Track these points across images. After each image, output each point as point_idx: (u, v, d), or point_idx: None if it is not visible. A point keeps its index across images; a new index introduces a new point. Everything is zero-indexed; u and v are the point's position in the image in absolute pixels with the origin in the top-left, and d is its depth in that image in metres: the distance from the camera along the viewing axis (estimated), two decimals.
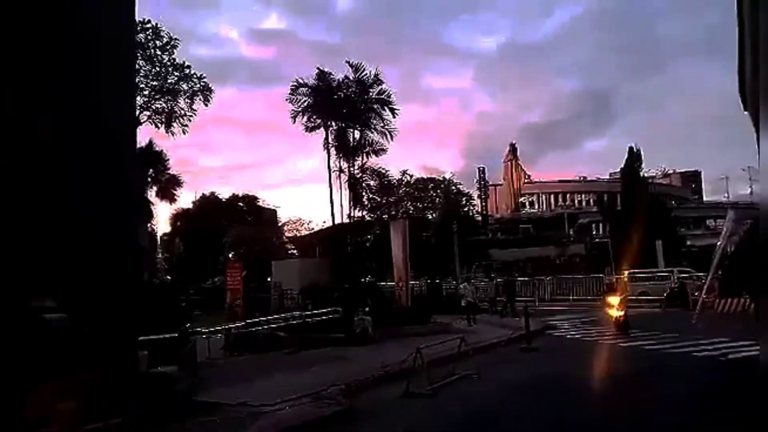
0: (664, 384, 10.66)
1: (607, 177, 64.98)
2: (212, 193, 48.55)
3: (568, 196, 71.66)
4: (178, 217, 44.66)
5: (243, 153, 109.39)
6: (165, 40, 29.78)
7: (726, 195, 71.95)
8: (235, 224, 39.89)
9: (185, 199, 43.55)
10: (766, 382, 8.27)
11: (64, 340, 7.06)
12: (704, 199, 75.63)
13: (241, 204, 48.55)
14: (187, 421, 8.28)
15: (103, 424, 6.43)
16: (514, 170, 72.92)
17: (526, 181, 73.19)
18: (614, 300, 18.09)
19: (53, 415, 6.62)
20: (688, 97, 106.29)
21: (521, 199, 72.64)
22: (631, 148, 48.32)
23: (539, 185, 72.70)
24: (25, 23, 7.62)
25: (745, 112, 7.18)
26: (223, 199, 48.12)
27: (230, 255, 23.29)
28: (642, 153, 48.28)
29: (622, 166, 49.07)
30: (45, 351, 6.84)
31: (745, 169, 59.00)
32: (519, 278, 30.05)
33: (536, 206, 72.36)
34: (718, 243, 21.71)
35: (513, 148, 73.89)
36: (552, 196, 72.08)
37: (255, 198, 50.15)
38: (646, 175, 51.45)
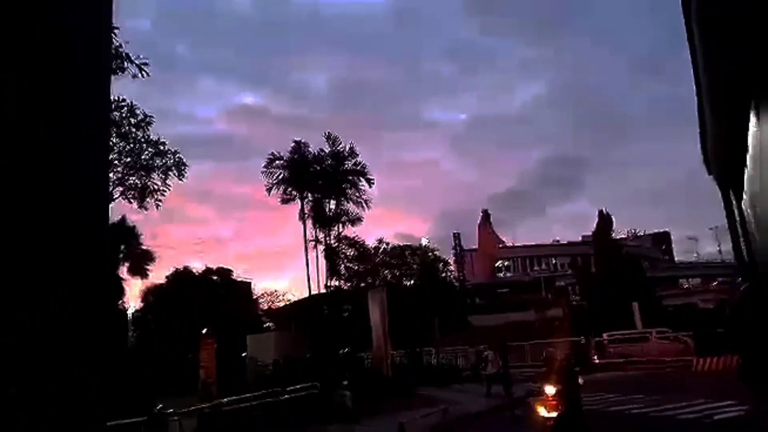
0: None
1: (579, 240, 65.96)
2: (185, 267, 47.74)
3: (543, 260, 72.28)
4: (150, 293, 43.63)
5: (217, 226, 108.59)
6: (140, 117, 30.03)
7: (695, 255, 73.57)
8: (209, 298, 39.11)
9: (158, 274, 42.80)
10: None
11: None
12: (675, 259, 76.94)
13: (215, 277, 47.76)
14: None
15: None
16: (488, 236, 73.67)
17: (500, 246, 73.84)
18: (550, 389, 10.05)
19: None
20: (654, 163, 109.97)
21: (497, 264, 73.00)
22: (601, 212, 49.43)
23: (514, 249, 73.35)
24: None
25: (709, 176, 7.33)
26: (197, 273, 47.31)
27: (203, 331, 22.61)
28: (612, 216, 49.43)
29: (594, 229, 50.00)
30: None
31: (712, 229, 60.51)
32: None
33: (512, 270, 72.69)
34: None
35: (486, 215, 74.94)
36: (527, 261, 72.61)
37: (229, 271, 49.41)
38: (617, 237, 52.40)
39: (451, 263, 57.18)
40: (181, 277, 45.66)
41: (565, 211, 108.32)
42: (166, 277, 45.26)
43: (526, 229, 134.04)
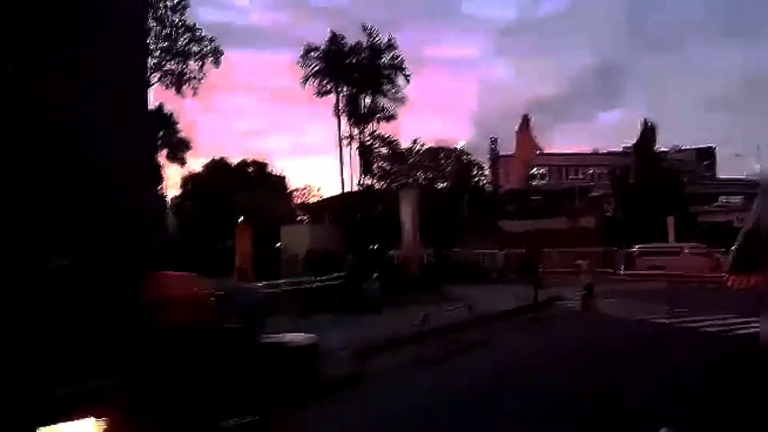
0: (668, 357, 10.60)
1: (618, 150, 64.11)
2: (222, 158, 48.49)
3: (580, 169, 70.94)
4: (189, 180, 44.72)
5: (252, 118, 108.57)
6: (175, 0, 29.38)
7: (744, 174, 71.08)
8: (245, 188, 39.93)
9: (195, 162, 43.67)
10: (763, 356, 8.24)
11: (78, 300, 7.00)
12: (718, 176, 74.60)
13: (251, 169, 48.47)
14: None
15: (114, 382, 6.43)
16: (525, 142, 72.14)
17: (537, 153, 72.44)
18: None
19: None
20: (700, 76, 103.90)
21: (532, 171, 72.02)
22: (645, 122, 47.66)
23: (551, 157, 71.90)
24: None
25: None
26: (233, 164, 48.04)
27: (240, 219, 23.33)
28: (656, 127, 47.64)
29: (636, 140, 48.46)
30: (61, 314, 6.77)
31: (758, 148, 57.91)
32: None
33: (548, 178, 71.72)
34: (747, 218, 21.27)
35: (525, 120, 72.83)
36: (564, 169, 71.38)
37: (264, 164, 50.05)
38: (660, 149, 50.78)
39: (486, 168, 56.62)
40: (218, 167, 46.50)
41: (606, 119, 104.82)
42: (204, 166, 46.18)
43: (566, 136, 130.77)
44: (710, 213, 50.35)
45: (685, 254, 28.43)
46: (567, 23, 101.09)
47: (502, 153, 63.98)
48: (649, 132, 47.49)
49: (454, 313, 13.54)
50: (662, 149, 52.77)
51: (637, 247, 30.41)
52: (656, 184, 40.90)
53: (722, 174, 74.58)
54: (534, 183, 70.50)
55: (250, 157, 50.15)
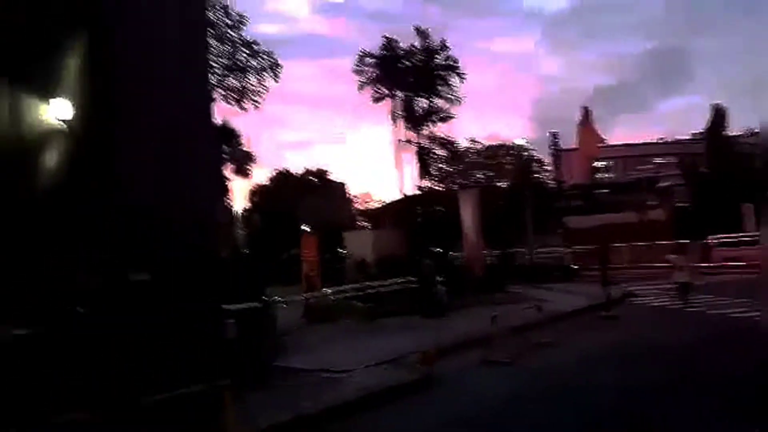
0: (751, 353, 10.13)
1: (687, 137, 61.43)
2: (286, 170, 50.02)
3: (646, 159, 68.39)
4: (256, 193, 46.35)
5: (310, 127, 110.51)
6: (234, 18, 30.35)
7: None
8: (309, 197, 40.87)
9: (259, 174, 45.13)
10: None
11: (160, 311, 7.48)
12: None
13: (312, 178, 49.60)
14: (271, 386, 8.68)
15: (192, 389, 6.81)
16: (588, 135, 70.29)
17: (600, 145, 70.37)
18: None
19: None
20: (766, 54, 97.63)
21: (596, 164, 70.00)
22: (715, 107, 45.62)
23: (615, 149, 69.72)
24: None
25: None
26: (297, 175, 49.39)
27: (306, 229, 23.92)
28: (726, 112, 45.48)
29: (707, 126, 46.43)
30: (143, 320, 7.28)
31: None
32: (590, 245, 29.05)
33: (613, 171, 69.52)
34: None
35: (586, 112, 71.14)
36: (629, 160, 69.00)
37: (325, 172, 51.06)
38: (731, 134, 48.37)
39: (547, 163, 55.52)
40: (283, 178, 48.02)
41: (668, 106, 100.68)
42: (269, 178, 47.82)
43: (628, 126, 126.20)
44: None
45: (764, 244, 26.94)
46: (620, 7, 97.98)
47: (563, 147, 62.56)
48: (719, 116, 45.40)
49: (522, 313, 13.45)
50: (734, 134, 50.22)
51: (712, 238, 29.11)
52: (729, 170, 39.00)
53: None
54: (599, 176, 68.49)
55: (310, 167, 51.44)
